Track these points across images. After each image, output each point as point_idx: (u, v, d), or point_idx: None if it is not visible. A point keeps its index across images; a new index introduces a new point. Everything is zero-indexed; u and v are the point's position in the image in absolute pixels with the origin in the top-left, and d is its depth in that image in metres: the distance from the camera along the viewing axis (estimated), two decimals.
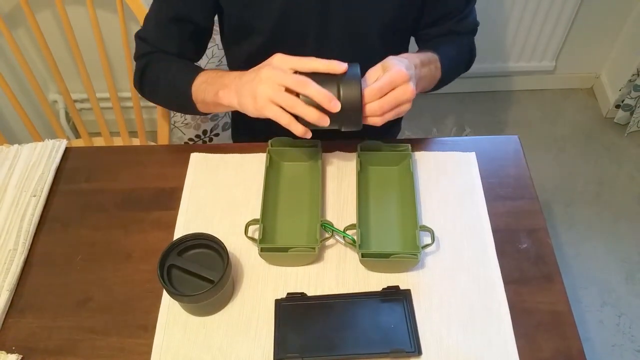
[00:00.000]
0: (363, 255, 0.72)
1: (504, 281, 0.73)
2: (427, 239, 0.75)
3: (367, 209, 0.79)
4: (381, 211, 0.79)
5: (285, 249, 0.72)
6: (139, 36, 0.89)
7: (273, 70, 0.68)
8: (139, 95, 1.00)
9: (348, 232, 0.75)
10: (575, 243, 1.66)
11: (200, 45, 0.93)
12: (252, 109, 0.70)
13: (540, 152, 1.88)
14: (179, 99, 0.85)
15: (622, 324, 1.48)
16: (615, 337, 1.46)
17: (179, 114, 1.71)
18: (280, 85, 0.68)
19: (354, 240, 0.74)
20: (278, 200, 0.81)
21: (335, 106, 0.67)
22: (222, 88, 0.75)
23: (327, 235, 0.75)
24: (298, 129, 0.69)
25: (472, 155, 0.87)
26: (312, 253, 0.72)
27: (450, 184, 0.84)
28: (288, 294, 0.72)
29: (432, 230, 0.75)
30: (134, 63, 0.91)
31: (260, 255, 0.73)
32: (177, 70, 0.85)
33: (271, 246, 0.74)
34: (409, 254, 0.71)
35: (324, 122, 0.68)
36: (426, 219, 0.79)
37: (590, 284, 1.57)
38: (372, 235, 0.77)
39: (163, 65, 0.86)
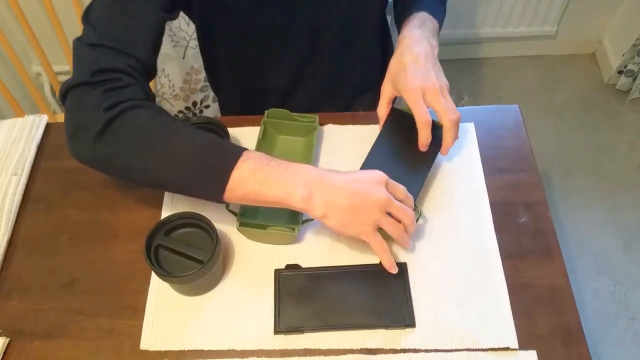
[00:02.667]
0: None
1: (501, 256, 0.71)
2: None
3: None
4: None
5: (263, 227, 0.70)
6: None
7: (385, 194, 0.64)
8: None
9: None
10: (572, 213, 1.64)
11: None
12: (360, 235, 0.65)
13: (538, 120, 1.85)
14: (197, 180, 0.63)
15: (617, 293, 1.48)
16: (610, 305, 1.46)
17: (166, 85, 1.66)
18: (386, 212, 0.64)
19: None
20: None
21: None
22: (301, 188, 0.62)
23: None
24: (390, 262, 0.67)
25: (470, 126, 0.84)
26: (291, 234, 0.70)
27: (448, 155, 0.81)
28: (287, 265, 0.71)
29: (421, 211, 0.72)
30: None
31: (238, 229, 0.71)
32: (205, 140, 0.64)
33: (250, 222, 0.71)
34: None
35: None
36: (422, 192, 0.77)
37: (586, 253, 1.56)
38: None
39: (168, 121, 0.65)
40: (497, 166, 0.80)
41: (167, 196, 0.78)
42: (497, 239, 0.73)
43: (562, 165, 1.74)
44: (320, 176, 0.63)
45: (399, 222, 0.66)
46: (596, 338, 0.76)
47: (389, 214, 0.65)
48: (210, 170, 0.62)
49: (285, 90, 0.96)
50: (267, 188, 0.62)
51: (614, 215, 1.63)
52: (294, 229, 0.69)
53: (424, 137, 0.72)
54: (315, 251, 0.72)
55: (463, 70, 1.98)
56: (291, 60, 0.91)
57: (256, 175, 0.62)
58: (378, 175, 0.65)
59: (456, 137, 0.73)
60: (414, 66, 0.73)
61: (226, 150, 0.63)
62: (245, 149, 0.64)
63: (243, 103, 1.02)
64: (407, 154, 0.76)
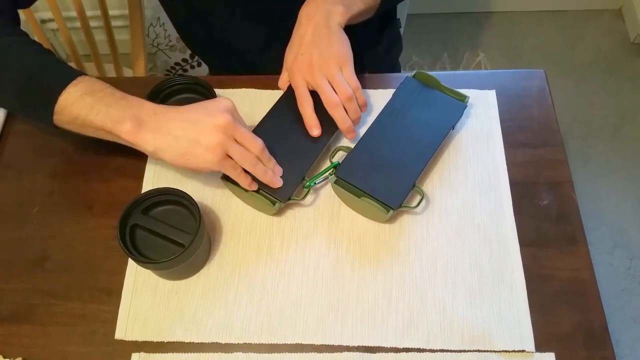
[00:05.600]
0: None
1: (519, 243, 0.64)
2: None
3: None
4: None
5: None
6: None
7: (229, 117, 0.59)
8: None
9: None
10: (589, 180, 1.55)
11: None
12: (207, 163, 0.58)
13: (557, 80, 1.73)
14: (28, 99, 0.60)
15: (633, 268, 1.41)
16: (625, 281, 1.39)
17: (162, 35, 1.55)
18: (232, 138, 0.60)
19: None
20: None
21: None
22: (129, 120, 0.57)
23: (303, 193, 0.65)
24: (246, 180, 0.62)
25: (491, 94, 0.74)
26: (270, 207, 0.63)
27: (464, 127, 0.72)
28: None
29: (423, 192, 0.64)
30: None
31: (221, 179, 0.64)
32: (42, 59, 0.60)
33: None
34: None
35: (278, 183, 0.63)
36: (434, 168, 0.68)
37: (602, 225, 1.48)
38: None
39: (13, 41, 0.61)
40: (518, 140, 0.71)
41: (150, 164, 0.70)
42: (515, 223, 0.65)
43: (580, 128, 1.64)
44: (154, 109, 0.59)
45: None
46: (609, 315, 0.70)
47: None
48: (40, 90, 0.59)
49: (261, 47, 0.86)
50: (93, 115, 0.58)
51: (634, 184, 1.54)
52: (273, 204, 0.62)
53: (306, 118, 0.66)
54: (313, 226, 0.65)
55: (479, 25, 1.84)
56: (265, 19, 0.81)
57: (84, 100, 0.58)
58: (222, 103, 0.60)
59: (350, 118, 0.66)
60: (297, 45, 0.67)
61: (61, 72, 0.60)
62: (83, 74, 0.59)
63: (220, 62, 0.94)
64: (417, 132, 0.67)
